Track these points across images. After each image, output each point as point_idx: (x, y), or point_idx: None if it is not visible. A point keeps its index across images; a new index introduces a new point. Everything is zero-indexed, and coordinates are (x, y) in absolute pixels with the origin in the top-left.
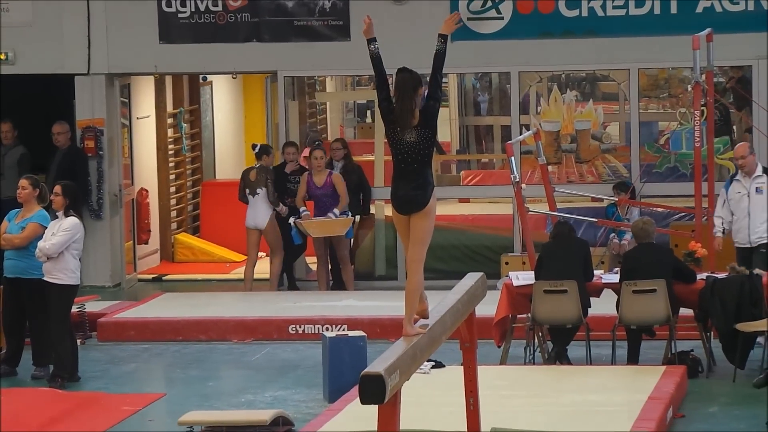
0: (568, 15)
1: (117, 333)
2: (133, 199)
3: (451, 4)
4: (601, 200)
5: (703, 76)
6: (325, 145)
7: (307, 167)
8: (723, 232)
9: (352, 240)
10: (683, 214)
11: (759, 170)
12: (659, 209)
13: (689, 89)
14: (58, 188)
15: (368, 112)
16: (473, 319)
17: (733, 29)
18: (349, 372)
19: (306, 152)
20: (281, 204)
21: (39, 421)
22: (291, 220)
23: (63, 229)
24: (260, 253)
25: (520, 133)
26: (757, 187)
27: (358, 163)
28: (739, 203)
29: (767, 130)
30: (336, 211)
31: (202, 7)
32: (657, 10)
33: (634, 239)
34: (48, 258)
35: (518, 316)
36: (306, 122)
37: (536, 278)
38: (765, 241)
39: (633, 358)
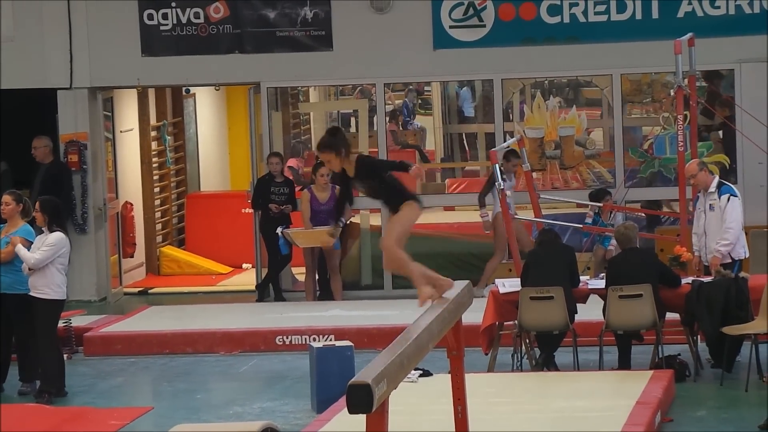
0: (550, 21)
1: (103, 347)
2: (117, 213)
3: (432, 13)
4: (586, 206)
5: (686, 81)
6: (309, 156)
7: (291, 178)
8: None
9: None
10: (670, 218)
11: (713, 186)
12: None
13: (672, 94)
14: (37, 205)
15: (352, 122)
16: (460, 327)
17: (715, 33)
18: (337, 382)
19: (291, 162)
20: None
21: None
22: (278, 230)
23: (48, 244)
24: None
25: (504, 141)
26: (710, 204)
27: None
28: (699, 219)
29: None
30: (343, 219)
31: (183, 20)
32: (639, 15)
33: (618, 245)
34: (32, 270)
35: (505, 323)
36: (290, 133)
37: (522, 285)
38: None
39: (624, 363)
